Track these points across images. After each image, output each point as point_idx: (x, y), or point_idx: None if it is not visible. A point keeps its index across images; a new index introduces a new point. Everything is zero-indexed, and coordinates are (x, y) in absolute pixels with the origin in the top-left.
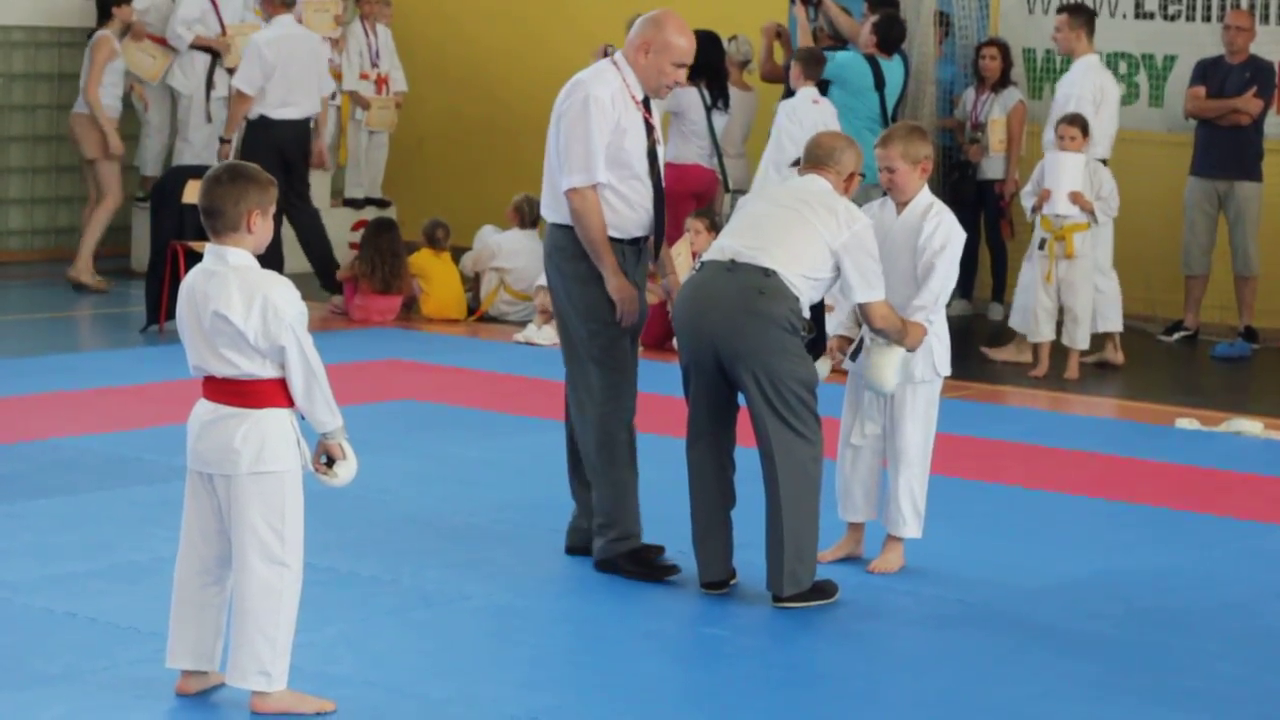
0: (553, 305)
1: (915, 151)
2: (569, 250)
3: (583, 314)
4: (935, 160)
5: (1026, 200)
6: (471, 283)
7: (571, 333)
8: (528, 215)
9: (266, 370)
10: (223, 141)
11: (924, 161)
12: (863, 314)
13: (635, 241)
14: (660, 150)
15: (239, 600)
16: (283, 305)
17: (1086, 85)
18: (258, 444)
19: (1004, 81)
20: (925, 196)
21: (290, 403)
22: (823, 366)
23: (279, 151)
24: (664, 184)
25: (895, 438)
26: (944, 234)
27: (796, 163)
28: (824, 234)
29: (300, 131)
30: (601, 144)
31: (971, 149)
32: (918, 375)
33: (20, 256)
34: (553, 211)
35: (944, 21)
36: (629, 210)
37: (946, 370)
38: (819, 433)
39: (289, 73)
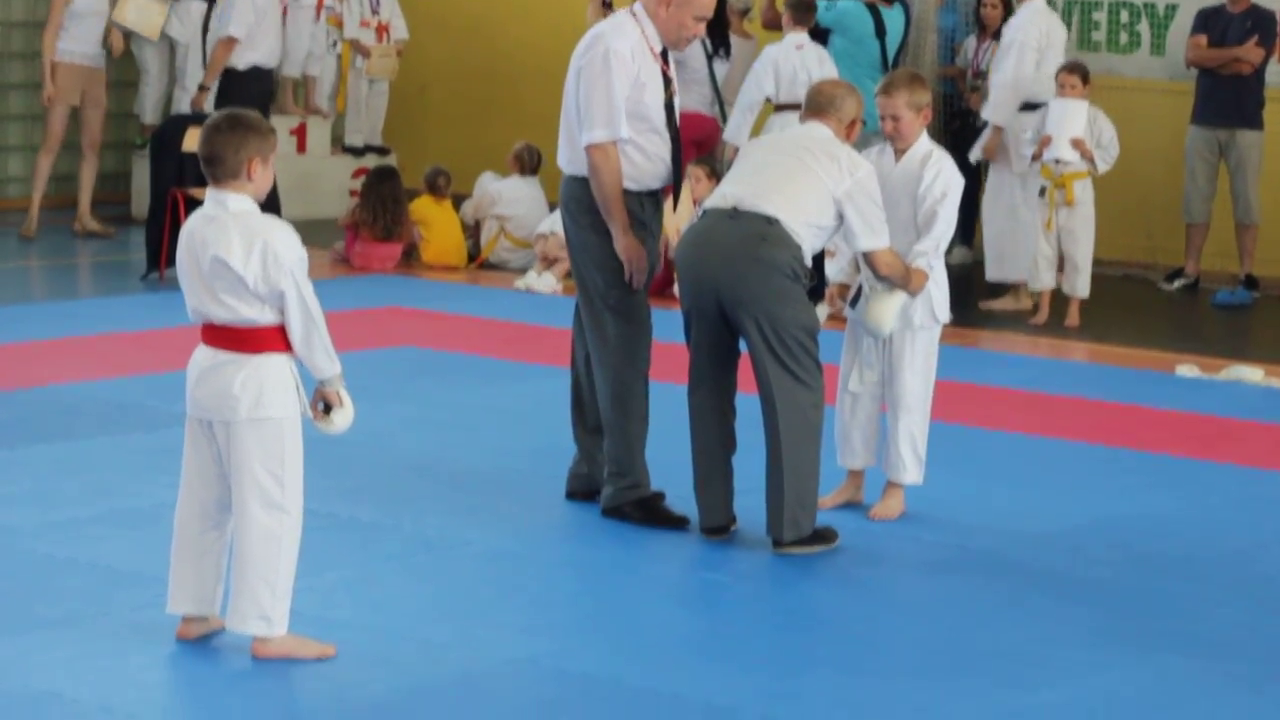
0: (569, 256)
1: (918, 99)
2: (585, 202)
3: (599, 265)
4: (936, 108)
5: (1026, 148)
6: (472, 230)
7: (587, 284)
8: (528, 163)
9: (266, 316)
10: (202, 89)
11: (925, 109)
12: (867, 261)
13: (654, 193)
14: (677, 102)
15: (239, 546)
16: (283, 250)
17: (1032, 30)
18: (256, 390)
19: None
20: (924, 143)
21: (289, 348)
22: (820, 312)
23: (268, 99)
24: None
25: (894, 384)
26: (944, 181)
27: (791, 107)
28: (827, 182)
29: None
30: (623, 98)
31: (973, 97)
32: (916, 321)
33: (21, 204)
34: (569, 164)
35: None
36: (647, 163)
37: (946, 317)
38: (820, 379)
39: (273, 20)
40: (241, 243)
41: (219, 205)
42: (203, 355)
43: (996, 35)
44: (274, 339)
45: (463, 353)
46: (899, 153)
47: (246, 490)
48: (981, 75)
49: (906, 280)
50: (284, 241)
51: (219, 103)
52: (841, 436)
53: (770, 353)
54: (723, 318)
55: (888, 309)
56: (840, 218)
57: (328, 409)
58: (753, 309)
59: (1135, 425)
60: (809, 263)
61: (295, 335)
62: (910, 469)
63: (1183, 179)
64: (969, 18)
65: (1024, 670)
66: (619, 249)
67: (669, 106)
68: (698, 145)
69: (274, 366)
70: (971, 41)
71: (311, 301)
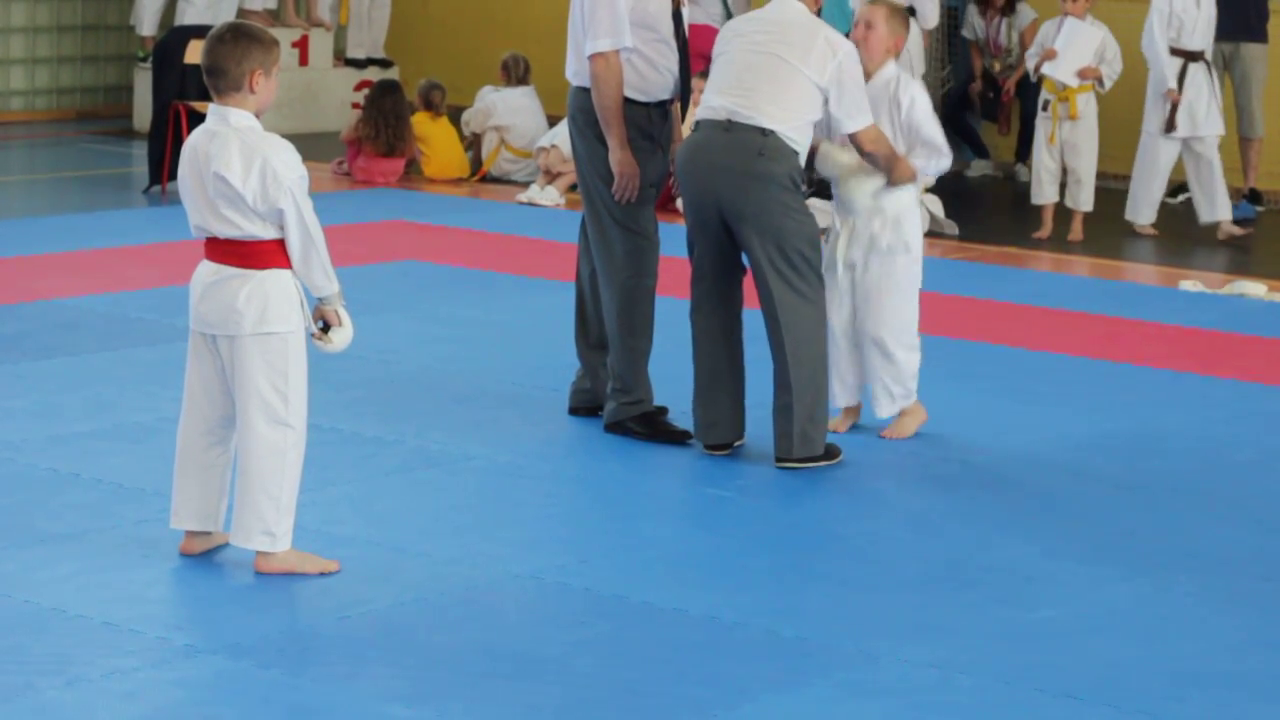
0: (575, 169)
1: (896, 25)
2: (593, 114)
3: (606, 177)
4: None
5: (1030, 61)
6: (472, 143)
7: (594, 196)
8: (514, 72)
9: (268, 231)
10: None
11: (900, 38)
12: (853, 142)
13: (661, 104)
14: (685, 12)
15: (243, 461)
16: (281, 169)
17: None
18: (260, 305)
19: (1011, 6)
20: (891, 68)
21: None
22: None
23: None
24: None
25: (866, 315)
26: (922, 106)
27: None
28: (811, 75)
29: None
30: (626, 7)
31: (1008, 84)
32: (884, 245)
33: (23, 117)
34: (575, 75)
35: None
36: (654, 73)
37: (918, 246)
38: (822, 293)
39: None
40: (242, 160)
41: (221, 120)
42: (206, 270)
43: (1004, 11)
44: (277, 254)
45: (465, 267)
46: (866, 75)
47: (251, 405)
48: (1005, 53)
49: (891, 162)
50: (283, 160)
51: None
52: None
53: (773, 268)
54: (725, 230)
55: (863, 185)
56: (827, 104)
57: (328, 327)
58: (754, 223)
59: (1138, 340)
60: (804, 164)
61: (294, 253)
62: (897, 400)
63: None
64: None
65: (1024, 586)
66: (613, 162)
67: (676, 16)
68: (706, 59)
69: (278, 281)
70: (975, 16)
71: (310, 220)
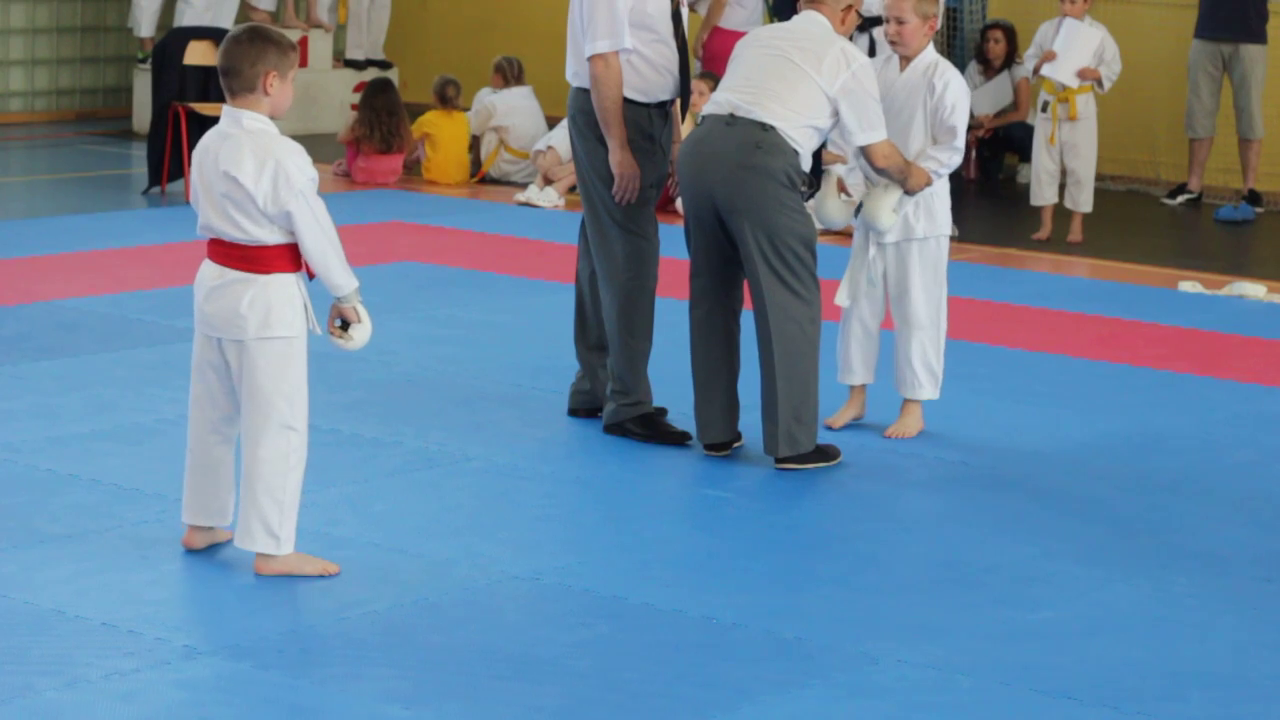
0: (575, 170)
1: (926, 7)
2: (593, 115)
3: (606, 178)
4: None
5: (1029, 61)
6: (472, 145)
7: (594, 198)
8: (510, 73)
9: (274, 236)
10: None
11: (933, 19)
12: (864, 156)
13: (661, 105)
14: (684, 12)
15: (248, 464)
16: (294, 171)
17: None
18: (264, 310)
19: (1007, 64)
20: (930, 53)
21: (297, 268)
22: (837, 206)
23: None
24: (709, 48)
25: (902, 299)
26: (955, 92)
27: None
28: (820, 82)
29: None
30: (626, 8)
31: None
32: (919, 232)
33: (22, 118)
34: (575, 76)
35: None
36: (654, 74)
37: (949, 228)
38: (816, 293)
39: None
40: (254, 161)
41: (234, 122)
42: (209, 273)
43: (1000, 70)
44: (282, 259)
45: (465, 268)
46: (904, 62)
47: (256, 409)
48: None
49: (905, 174)
50: (296, 163)
51: None
52: (840, 352)
53: (765, 263)
54: (721, 226)
55: (883, 202)
56: (836, 115)
57: (346, 325)
58: (748, 217)
59: (1137, 341)
60: (807, 167)
61: (311, 255)
62: (925, 385)
63: (1186, 93)
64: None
65: (1024, 587)
66: (613, 163)
67: (676, 16)
68: None
69: (281, 286)
70: (973, 71)
71: (325, 221)
